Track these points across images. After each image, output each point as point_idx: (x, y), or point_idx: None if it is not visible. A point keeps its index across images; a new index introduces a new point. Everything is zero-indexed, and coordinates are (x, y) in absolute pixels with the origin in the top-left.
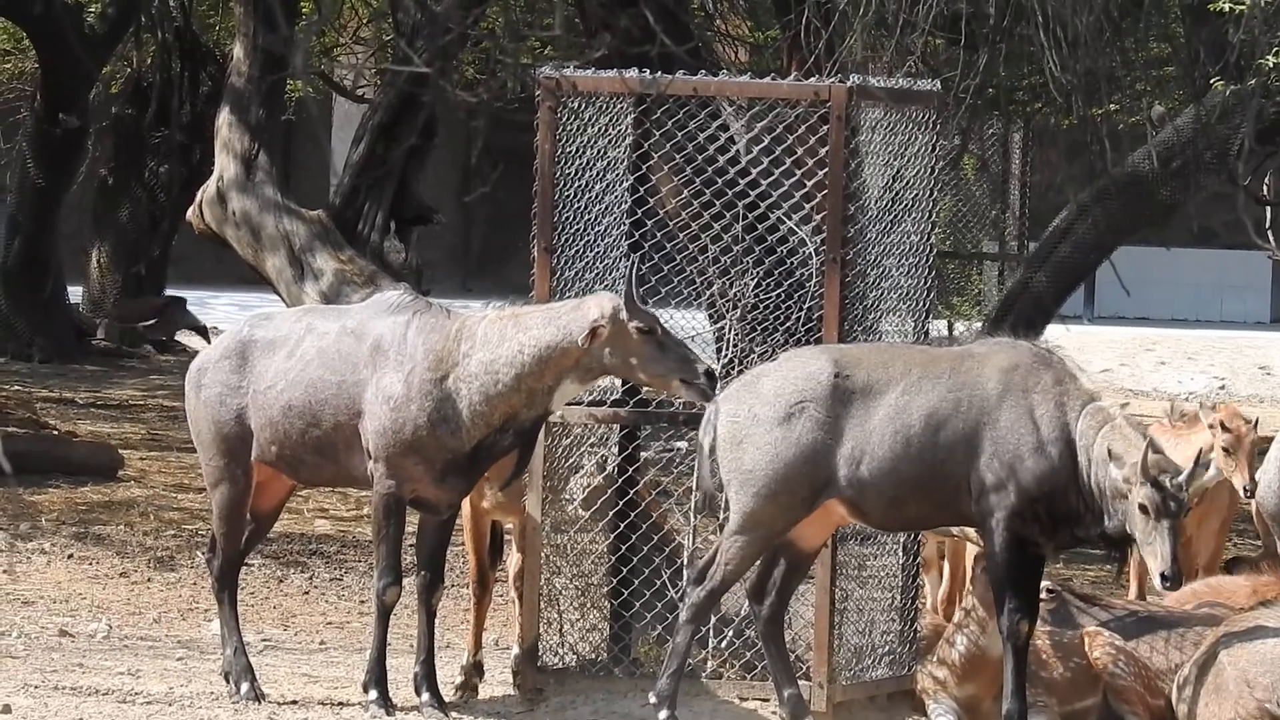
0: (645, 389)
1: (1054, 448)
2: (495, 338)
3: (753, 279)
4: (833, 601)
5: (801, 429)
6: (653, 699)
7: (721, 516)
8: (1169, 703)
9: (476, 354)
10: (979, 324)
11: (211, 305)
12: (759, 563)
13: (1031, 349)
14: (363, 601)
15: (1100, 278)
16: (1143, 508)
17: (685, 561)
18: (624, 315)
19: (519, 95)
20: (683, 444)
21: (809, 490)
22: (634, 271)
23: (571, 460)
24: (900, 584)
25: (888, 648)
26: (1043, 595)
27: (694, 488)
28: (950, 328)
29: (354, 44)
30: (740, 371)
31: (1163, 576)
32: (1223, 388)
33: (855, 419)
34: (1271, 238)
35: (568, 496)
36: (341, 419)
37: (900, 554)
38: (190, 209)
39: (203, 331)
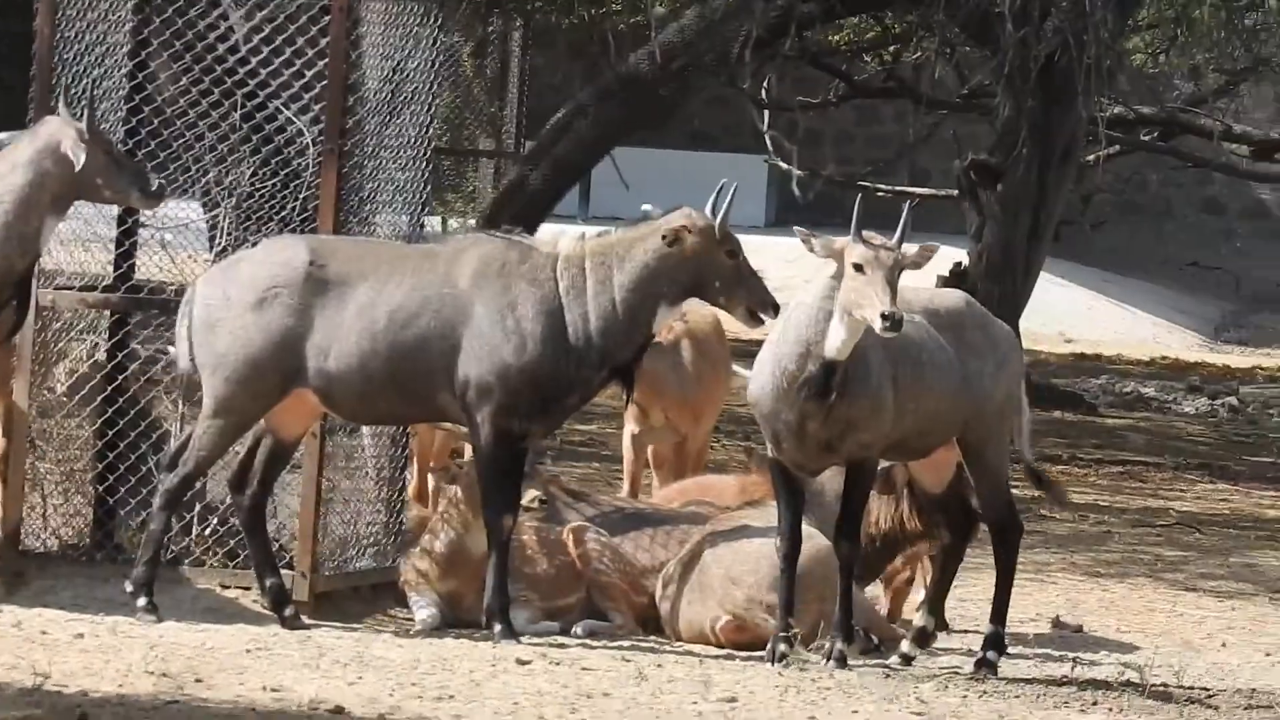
0: None
1: (536, 325)
2: None
3: (249, 168)
4: (319, 492)
5: (272, 315)
6: (129, 586)
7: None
8: (653, 600)
9: None
10: (473, 221)
11: None
12: (242, 452)
13: (493, 238)
14: None
15: (597, 178)
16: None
17: (170, 449)
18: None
19: None
20: (172, 349)
21: (279, 377)
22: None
23: (60, 345)
24: (387, 476)
25: (372, 539)
26: (534, 505)
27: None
28: (444, 224)
29: None
30: None
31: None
32: None
33: (327, 311)
34: (768, 141)
35: (54, 382)
36: None
37: (389, 445)
38: None
39: None
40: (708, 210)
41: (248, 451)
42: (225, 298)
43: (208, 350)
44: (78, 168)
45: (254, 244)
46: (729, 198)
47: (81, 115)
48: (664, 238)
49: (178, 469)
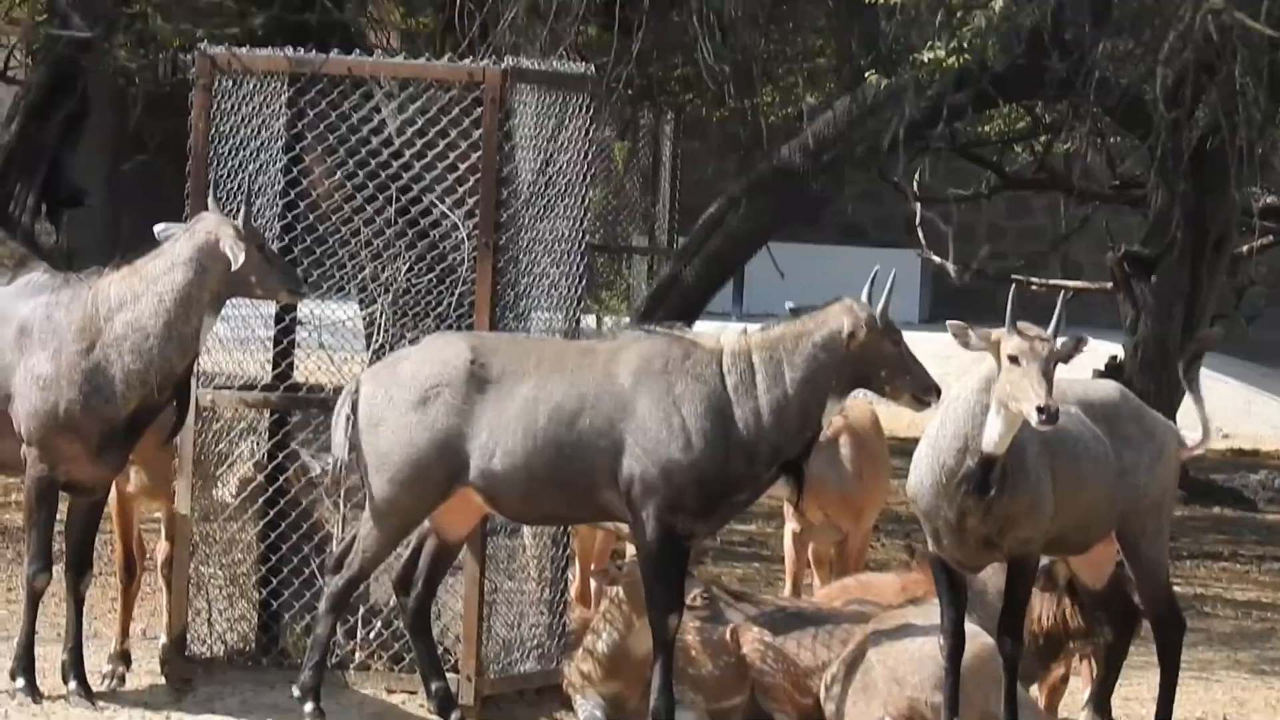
0: None
1: (704, 421)
2: (130, 294)
3: (405, 263)
4: (482, 594)
5: (436, 414)
6: (296, 692)
7: (355, 496)
8: (817, 701)
9: (118, 315)
10: (627, 319)
11: None
12: (406, 554)
13: (655, 334)
14: (10, 589)
15: (750, 274)
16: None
17: (332, 550)
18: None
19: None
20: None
21: (442, 476)
22: (893, 284)
23: (220, 446)
24: (549, 577)
25: (536, 641)
26: (696, 601)
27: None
28: (599, 321)
29: (5, 24)
30: None
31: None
32: None
33: (489, 408)
34: (921, 235)
35: (218, 485)
36: None
37: (550, 546)
38: None
39: None
40: (864, 298)
41: (412, 553)
42: (388, 397)
43: (371, 449)
44: (236, 265)
45: (414, 341)
46: (888, 285)
47: (236, 212)
48: (844, 333)
49: (342, 571)
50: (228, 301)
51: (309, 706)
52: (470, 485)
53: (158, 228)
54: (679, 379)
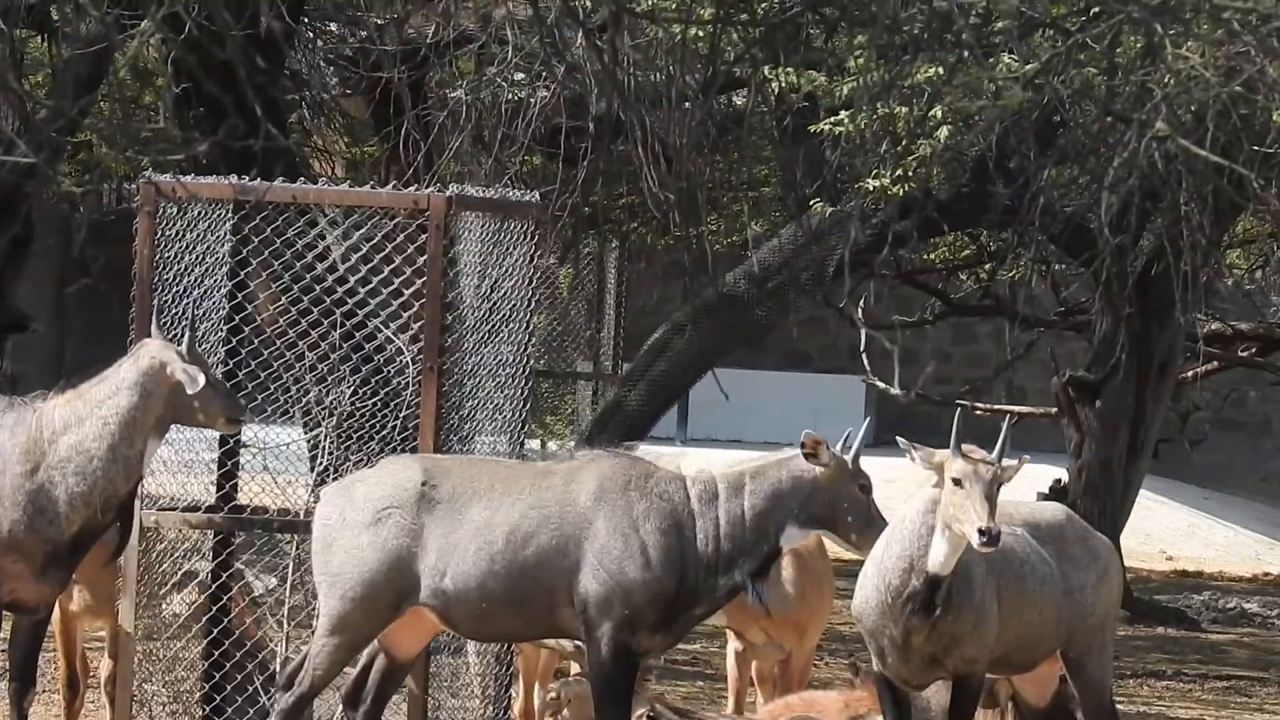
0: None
1: (665, 538)
2: (74, 418)
3: (349, 387)
4: (424, 711)
5: (387, 534)
6: None
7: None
8: None
9: (63, 438)
10: (572, 443)
11: None
12: (356, 670)
13: (614, 455)
14: None
15: (694, 399)
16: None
17: (278, 668)
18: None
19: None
20: (273, 579)
21: (393, 595)
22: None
23: (165, 566)
24: (493, 695)
25: None
26: (641, 716)
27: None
28: (543, 445)
29: None
30: (335, 480)
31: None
32: None
33: (439, 530)
34: (866, 360)
35: (165, 602)
36: None
37: (494, 664)
38: None
39: None
40: (837, 449)
41: (361, 669)
42: (342, 518)
43: (324, 569)
44: (194, 389)
45: (359, 464)
46: (860, 434)
47: (181, 337)
48: (801, 445)
49: (293, 689)
50: (171, 426)
51: None
52: (422, 605)
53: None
54: (640, 498)
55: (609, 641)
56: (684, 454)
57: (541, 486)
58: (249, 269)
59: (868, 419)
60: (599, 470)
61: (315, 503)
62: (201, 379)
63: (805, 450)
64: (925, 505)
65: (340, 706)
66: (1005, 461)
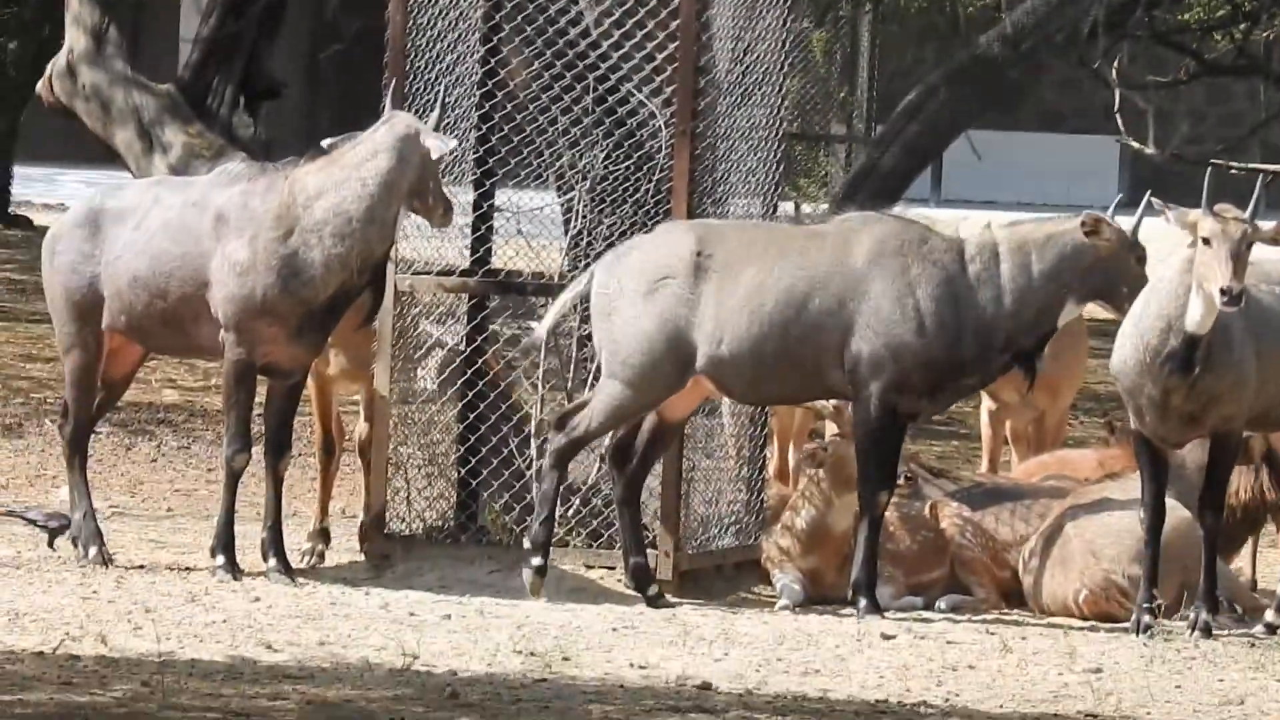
0: None
1: (940, 306)
2: (330, 182)
3: (602, 151)
4: (680, 471)
5: (664, 305)
6: (527, 544)
7: (570, 385)
8: (1015, 574)
9: (317, 202)
10: (825, 206)
11: (60, 182)
12: (623, 430)
13: (887, 218)
14: (210, 470)
15: (948, 161)
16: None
17: (532, 431)
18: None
19: None
20: (534, 325)
21: (672, 366)
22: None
23: (420, 330)
24: (748, 455)
25: (734, 517)
26: (901, 480)
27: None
28: (797, 209)
29: None
30: (589, 244)
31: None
32: None
33: (715, 298)
34: (1120, 121)
35: (417, 371)
36: (188, 290)
37: (749, 424)
38: (40, 82)
39: None
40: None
41: (630, 429)
42: (619, 286)
43: (605, 336)
44: (448, 150)
45: (611, 227)
46: (1141, 206)
47: (432, 107)
48: (1083, 224)
49: (566, 430)
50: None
51: (537, 560)
52: (699, 373)
53: (325, 143)
54: (915, 262)
55: (877, 401)
56: (966, 218)
57: (813, 248)
58: (502, 34)
59: (1148, 192)
60: (874, 233)
61: (568, 267)
62: (452, 141)
63: (1086, 229)
64: (1182, 265)
65: (597, 465)
66: (1260, 222)
